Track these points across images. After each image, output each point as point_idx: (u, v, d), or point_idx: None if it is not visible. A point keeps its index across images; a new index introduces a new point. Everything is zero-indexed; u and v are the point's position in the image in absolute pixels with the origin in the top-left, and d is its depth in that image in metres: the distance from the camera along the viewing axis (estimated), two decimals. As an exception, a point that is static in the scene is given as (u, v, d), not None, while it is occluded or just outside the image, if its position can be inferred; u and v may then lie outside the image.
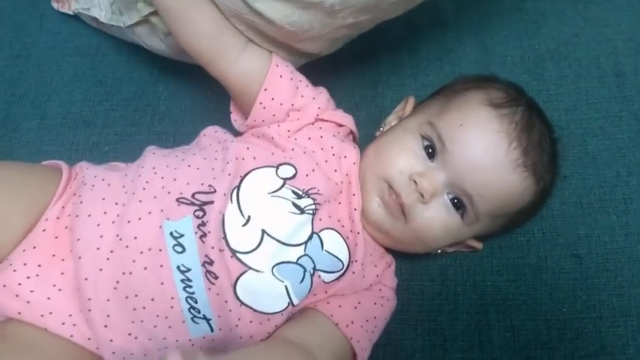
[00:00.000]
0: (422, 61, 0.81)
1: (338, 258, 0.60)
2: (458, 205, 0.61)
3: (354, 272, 0.60)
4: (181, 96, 0.65)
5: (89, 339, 0.56)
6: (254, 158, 0.61)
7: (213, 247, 0.55)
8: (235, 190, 0.58)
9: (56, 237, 0.57)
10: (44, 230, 0.57)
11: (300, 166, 0.61)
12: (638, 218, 0.71)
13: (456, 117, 0.61)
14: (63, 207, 0.58)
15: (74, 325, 0.55)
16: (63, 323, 0.55)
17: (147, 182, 0.58)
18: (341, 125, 0.66)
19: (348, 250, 0.60)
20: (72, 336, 0.56)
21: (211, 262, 0.55)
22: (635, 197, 0.72)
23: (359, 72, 0.71)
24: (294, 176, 0.60)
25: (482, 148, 0.59)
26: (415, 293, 0.69)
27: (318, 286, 0.59)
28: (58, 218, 0.58)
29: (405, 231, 0.62)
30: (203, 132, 0.66)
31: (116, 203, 0.57)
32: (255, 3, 0.56)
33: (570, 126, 0.76)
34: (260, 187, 0.59)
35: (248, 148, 0.62)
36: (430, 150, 0.61)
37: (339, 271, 0.60)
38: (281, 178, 0.60)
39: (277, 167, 0.60)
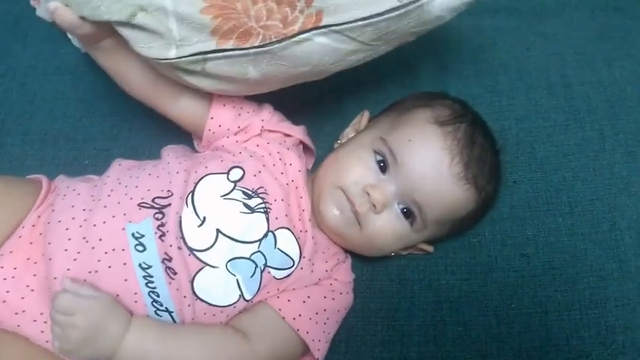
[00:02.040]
0: (383, 76, 0.86)
1: (289, 256, 0.65)
2: (407, 214, 0.67)
3: (302, 268, 0.65)
4: (155, 112, 0.70)
5: None
6: (206, 167, 0.66)
7: (171, 245, 0.60)
8: (190, 195, 0.64)
9: (31, 242, 0.62)
10: (20, 237, 0.63)
11: (247, 168, 0.66)
12: (582, 219, 0.76)
13: (405, 133, 0.67)
14: (39, 216, 0.64)
15: (45, 322, 0.60)
16: (35, 321, 0.60)
17: (111, 190, 0.64)
18: (288, 135, 0.72)
19: (299, 248, 0.65)
20: (42, 332, 0.60)
21: (170, 259, 0.60)
22: (580, 200, 0.78)
23: (324, 87, 0.76)
24: (242, 177, 0.66)
25: (429, 162, 0.65)
26: (375, 292, 0.73)
27: (269, 283, 0.64)
28: (33, 226, 0.63)
29: (359, 237, 0.67)
30: (165, 149, 0.72)
31: (84, 210, 0.63)
32: (184, 77, 0.62)
33: (520, 134, 0.82)
34: (213, 191, 0.65)
35: (202, 159, 0.68)
36: (382, 164, 0.67)
37: (289, 268, 0.65)
38: (231, 182, 0.65)
39: (228, 172, 0.66)
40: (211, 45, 0.58)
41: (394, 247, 0.70)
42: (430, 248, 0.73)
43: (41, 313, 0.60)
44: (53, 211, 0.63)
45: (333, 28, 0.58)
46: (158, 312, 0.60)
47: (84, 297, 0.57)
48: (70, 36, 0.83)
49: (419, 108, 0.70)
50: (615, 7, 0.93)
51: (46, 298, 0.60)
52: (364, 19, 0.58)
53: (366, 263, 0.74)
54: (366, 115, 0.75)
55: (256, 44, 0.58)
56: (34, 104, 0.86)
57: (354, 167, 0.67)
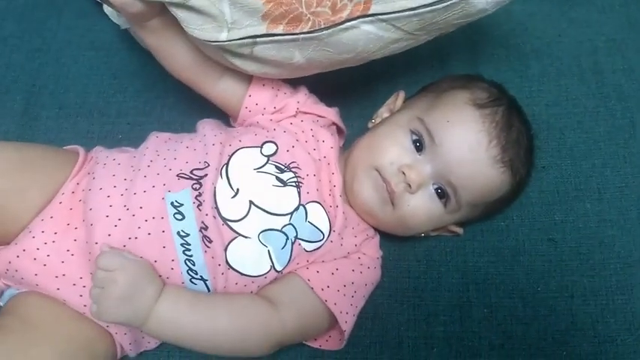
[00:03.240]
0: (413, 58, 0.86)
1: (319, 229, 0.66)
2: (441, 194, 0.67)
3: (331, 241, 0.66)
4: (187, 89, 0.71)
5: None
6: (240, 141, 0.68)
7: (207, 215, 0.62)
8: (224, 167, 0.65)
9: (71, 209, 0.64)
10: (60, 202, 0.65)
11: (281, 143, 0.68)
12: (611, 206, 0.77)
13: (443, 114, 0.67)
14: (78, 183, 0.66)
15: (84, 286, 0.62)
16: (74, 284, 0.63)
17: (151, 161, 0.66)
18: (321, 117, 0.73)
19: (329, 222, 0.66)
20: (81, 296, 0.62)
21: (206, 228, 0.62)
22: (609, 187, 0.78)
23: (354, 70, 0.77)
24: (275, 152, 0.67)
25: (466, 144, 0.66)
26: (402, 272, 0.75)
27: (300, 254, 0.65)
28: (73, 193, 0.65)
29: (392, 216, 0.68)
30: (201, 122, 0.73)
31: (124, 179, 0.65)
32: (232, 59, 0.63)
33: (550, 120, 0.82)
34: (246, 163, 0.66)
35: (236, 133, 0.70)
36: (418, 144, 0.67)
37: (319, 240, 0.66)
38: (265, 156, 0.67)
39: (261, 146, 0.68)
40: (262, 29, 0.59)
41: (426, 228, 0.70)
42: (460, 230, 0.74)
43: (80, 277, 0.62)
44: (94, 178, 0.65)
45: (380, 17, 0.59)
46: (193, 280, 0.62)
47: (125, 257, 0.59)
48: (109, 13, 0.84)
49: (456, 90, 0.70)
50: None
51: (86, 263, 0.62)
52: (412, 9, 0.59)
53: (394, 243, 0.75)
54: (401, 96, 0.76)
55: (305, 30, 0.59)
56: (68, 79, 0.87)
57: (390, 147, 0.68)
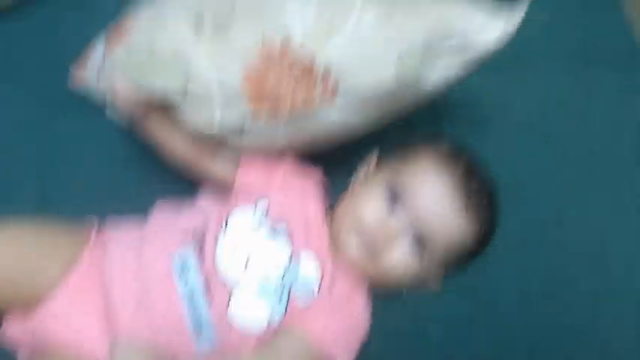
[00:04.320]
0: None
1: (311, 278, 0.72)
2: (418, 245, 0.74)
3: (323, 289, 0.72)
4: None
5: None
6: (235, 201, 0.77)
7: (209, 271, 0.70)
8: (223, 226, 0.73)
9: (88, 277, 0.72)
10: (78, 272, 0.72)
11: (272, 200, 0.76)
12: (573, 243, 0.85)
13: (411, 169, 0.76)
14: (93, 254, 0.74)
15: (102, 344, 0.69)
16: (94, 343, 0.69)
17: (156, 227, 0.76)
18: (308, 176, 0.81)
19: (321, 271, 0.73)
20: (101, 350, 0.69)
21: (209, 284, 0.69)
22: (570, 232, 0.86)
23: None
24: (268, 208, 0.75)
25: (435, 194, 0.74)
26: (390, 328, 0.79)
27: (295, 306, 0.71)
28: (89, 263, 0.73)
29: (376, 266, 0.74)
30: (200, 194, 0.83)
31: (135, 246, 0.73)
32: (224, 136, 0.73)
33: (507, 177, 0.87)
34: (242, 221, 0.74)
35: (232, 196, 0.79)
36: (393, 198, 0.74)
37: (312, 289, 0.72)
38: (258, 212, 0.75)
39: (255, 204, 0.76)
40: (248, 109, 0.69)
41: (406, 278, 0.76)
42: (439, 281, 0.80)
43: (99, 336, 0.69)
44: (107, 248, 0.74)
45: (346, 97, 0.69)
46: (199, 336, 0.69)
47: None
48: (111, 114, 0.92)
49: (420, 150, 0.79)
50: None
51: (102, 322, 0.70)
52: (372, 89, 0.68)
53: (379, 298, 0.79)
54: (374, 158, 0.84)
55: (285, 112, 0.69)
56: (77, 165, 0.92)
57: (368, 202, 0.75)
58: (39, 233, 0.74)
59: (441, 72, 0.70)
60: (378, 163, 0.83)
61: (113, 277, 0.71)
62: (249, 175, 0.79)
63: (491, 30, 0.69)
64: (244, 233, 0.73)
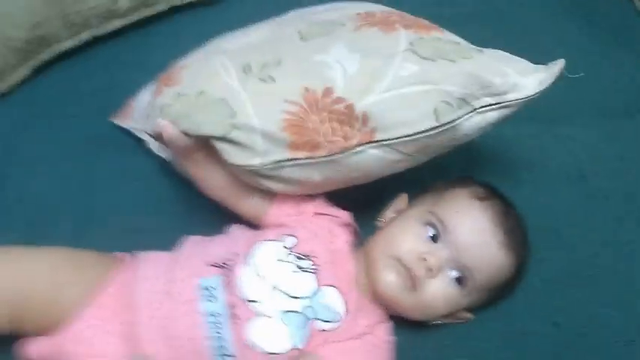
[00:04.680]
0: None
1: (335, 310, 0.73)
2: (459, 278, 0.75)
3: (346, 322, 0.73)
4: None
5: None
6: (264, 235, 0.79)
7: (235, 296, 0.71)
8: (250, 257, 0.75)
9: (116, 298, 0.73)
10: (108, 293, 0.73)
11: (300, 236, 0.77)
12: (607, 290, 0.84)
13: (450, 207, 0.78)
14: (123, 278, 0.75)
15: None
16: None
17: (187, 255, 0.77)
18: (336, 217, 0.82)
19: (345, 305, 0.74)
20: None
21: (234, 306, 0.71)
22: (602, 272, 0.86)
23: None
24: (295, 244, 0.76)
25: (475, 230, 0.76)
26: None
27: (317, 333, 0.72)
28: (118, 286, 0.74)
29: (413, 301, 0.75)
30: (231, 225, 0.84)
31: (164, 271, 0.75)
32: (261, 181, 0.77)
33: (542, 219, 0.88)
34: (269, 254, 0.76)
35: (261, 230, 0.81)
36: (433, 234, 0.76)
37: (335, 321, 0.73)
38: (286, 248, 0.76)
39: (283, 239, 0.77)
40: (287, 155, 0.73)
41: (443, 311, 0.78)
42: (470, 315, 0.81)
43: (123, 356, 0.70)
44: (138, 270, 0.75)
45: (383, 142, 0.72)
46: (223, 357, 0.70)
47: None
48: (154, 148, 0.95)
49: (456, 188, 0.81)
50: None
51: (126, 344, 0.70)
52: (409, 135, 0.72)
53: (405, 331, 0.80)
54: (404, 197, 0.86)
55: (323, 154, 0.73)
56: (114, 205, 0.95)
57: (407, 238, 0.77)
58: (69, 254, 0.76)
59: (476, 120, 0.74)
60: (410, 201, 0.85)
61: (140, 299, 0.72)
62: (281, 214, 0.82)
63: (526, 84, 0.73)
64: (270, 264, 0.75)
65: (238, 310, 0.70)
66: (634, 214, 0.91)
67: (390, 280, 0.75)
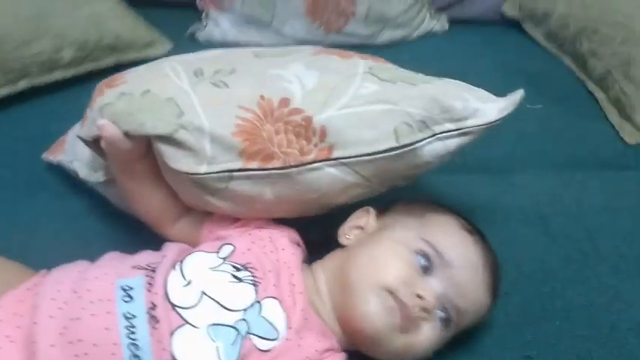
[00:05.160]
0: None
1: (274, 326, 0.64)
2: (445, 320, 0.67)
3: (288, 339, 0.64)
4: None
5: None
6: (198, 247, 0.71)
7: (157, 294, 0.62)
8: (179, 263, 0.67)
9: (22, 301, 0.64)
10: (13, 294, 0.65)
11: (238, 245, 0.69)
12: (581, 322, 0.78)
13: (446, 236, 0.70)
14: (35, 284, 0.66)
15: None
16: None
17: (109, 259, 0.70)
18: (279, 230, 0.74)
19: (287, 320, 0.64)
20: None
21: (154, 307, 0.61)
22: (574, 306, 0.80)
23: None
24: (232, 253, 0.68)
25: (471, 266, 0.69)
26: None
27: (251, 352, 0.62)
28: (28, 289, 0.66)
29: (400, 343, 0.65)
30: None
31: (78, 271, 0.66)
32: (206, 196, 0.70)
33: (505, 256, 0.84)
34: (201, 262, 0.68)
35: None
36: (426, 265, 0.68)
37: (274, 339, 0.63)
38: (221, 258, 0.68)
39: (218, 250, 0.69)
40: (238, 164, 0.67)
41: (423, 357, 0.68)
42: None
43: None
44: (50, 273, 0.67)
45: (341, 160, 0.68)
46: None
47: None
48: (83, 173, 0.88)
49: (439, 214, 0.74)
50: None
51: (25, 349, 0.60)
52: (368, 154, 0.67)
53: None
54: (370, 212, 0.77)
55: (277, 166, 0.67)
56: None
57: (398, 266, 0.67)
58: None
59: (436, 147, 0.70)
60: (379, 217, 0.77)
61: (44, 297, 0.62)
62: (216, 227, 0.75)
63: (487, 110, 0.70)
64: (203, 272, 0.66)
65: (159, 310, 0.61)
66: (597, 251, 0.88)
67: (377, 315, 0.65)
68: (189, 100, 0.68)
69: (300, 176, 0.68)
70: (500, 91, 0.72)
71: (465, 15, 1.33)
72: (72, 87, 1.09)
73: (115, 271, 0.65)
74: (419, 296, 0.64)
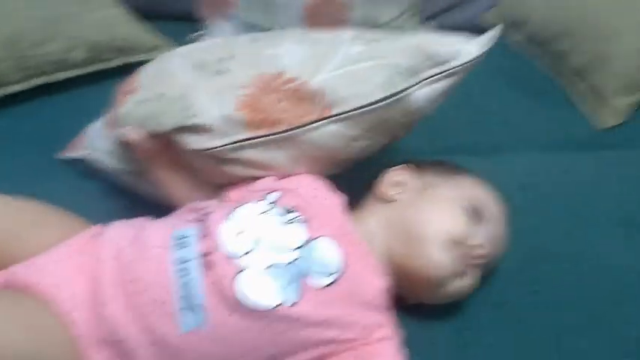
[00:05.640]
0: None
1: (329, 263, 0.67)
2: (484, 265, 0.75)
3: (346, 277, 0.67)
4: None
5: (82, 320, 0.64)
6: (244, 199, 0.74)
7: (211, 248, 0.66)
8: (230, 213, 0.70)
9: (87, 243, 0.71)
10: (79, 237, 0.72)
11: (284, 190, 0.73)
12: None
13: (482, 196, 0.77)
14: (97, 230, 0.74)
15: (75, 305, 0.65)
16: (71, 297, 0.65)
17: (163, 216, 0.77)
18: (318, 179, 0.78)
19: (343, 259, 0.68)
20: (69, 312, 0.64)
21: (210, 254, 0.65)
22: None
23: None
24: (279, 197, 0.72)
25: (501, 223, 0.77)
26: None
27: (309, 291, 0.65)
28: (92, 235, 0.73)
29: (454, 287, 0.73)
30: None
31: (139, 224, 0.73)
32: (223, 166, 0.76)
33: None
34: (252, 209, 0.71)
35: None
36: (475, 220, 0.74)
37: (330, 275, 0.66)
38: (270, 203, 0.72)
39: (264, 197, 0.73)
40: (247, 134, 0.74)
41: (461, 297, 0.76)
42: None
43: (75, 294, 0.65)
44: (113, 223, 0.74)
45: (341, 116, 0.73)
46: (187, 309, 0.63)
47: None
48: (108, 162, 0.92)
49: (469, 175, 0.80)
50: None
51: (87, 283, 0.66)
52: (364, 106, 0.73)
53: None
54: (410, 169, 0.80)
55: (282, 129, 0.73)
56: None
57: (462, 221, 0.73)
58: (45, 205, 0.76)
59: (425, 91, 0.75)
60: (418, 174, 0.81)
61: (109, 241, 0.69)
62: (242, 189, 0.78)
63: (469, 48, 0.76)
64: (253, 218, 0.70)
65: (215, 257, 0.65)
66: (585, 209, 0.94)
67: (446, 262, 0.71)
68: (196, 93, 0.76)
69: (305, 136, 0.73)
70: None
71: (452, 23, 1.41)
72: (82, 86, 1.16)
73: (173, 222, 0.72)
74: (478, 246, 0.72)
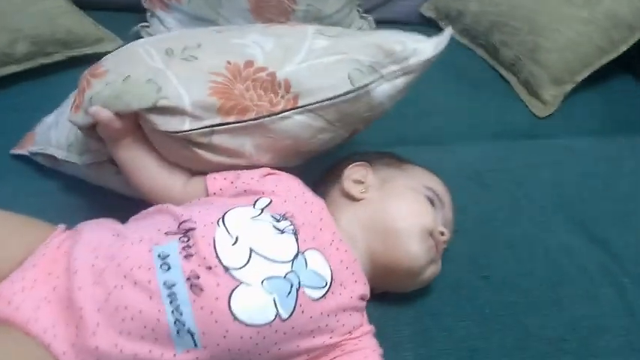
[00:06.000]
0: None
1: (321, 276, 0.69)
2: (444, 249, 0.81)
3: (339, 293, 0.69)
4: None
5: (64, 353, 0.62)
6: (232, 203, 0.74)
7: (199, 265, 0.65)
8: (221, 219, 0.70)
9: (54, 260, 0.67)
10: (44, 254, 0.68)
11: (273, 198, 0.74)
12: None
13: (436, 184, 0.83)
14: (64, 240, 0.70)
15: (55, 335, 0.62)
16: (45, 332, 0.62)
17: (139, 222, 0.74)
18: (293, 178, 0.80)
19: (331, 271, 0.70)
20: (49, 345, 0.62)
21: (197, 277, 0.64)
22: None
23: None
24: (269, 204, 0.73)
25: (450, 206, 0.83)
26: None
27: (305, 303, 0.67)
28: (58, 247, 0.69)
29: (428, 274, 0.78)
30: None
31: (112, 234, 0.69)
32: (193, 148, 0.76)
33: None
34: (242, 214, 0.71)
35: (227, 199, 0.76)
36: (434, 207, 0.80)
37: (322, 287, 0.68)
38: (259, 208, 0.73)
39: (254, 203, 0.73)
40: (218, 119, 0.75)
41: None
42: None
43: (53, 326, 0.62)
44: (81, 233, 0.69)
45: (307, 107, 0.76)
46: (180, 333, 0.63)
47: None
48: (71, 158, 0.90)
49: (416, 165, 0.87)
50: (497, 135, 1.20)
51: (62, 311, 0.63)
52: (329, 99, 0.76)
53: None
54: (367, 167, 0.84)
55: (252, 117, 0.75)
56: None
57: (429, 211, 0.78)
58: (7, 216, 0.72)
59: (386, 87, 0.79)
60: (373, 168, 0.84)
61: (82, 262, 0.65)
62: (220, 181, 0.78)
63: (424, 48, 0.80)
64: (246, 224, 0.70)
65: (204, 279, 0.64)
66: (525, 195, 1.01)
67: (423, 252, 0.76)
68: (165, 76, 0.76)
69: (273, 125, 0.76)
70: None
71: (389, 16, 1.47)
72: (25, 81, 1.13)
73: (150, 237, 0.67)
74: (442, 233, 0.78)
